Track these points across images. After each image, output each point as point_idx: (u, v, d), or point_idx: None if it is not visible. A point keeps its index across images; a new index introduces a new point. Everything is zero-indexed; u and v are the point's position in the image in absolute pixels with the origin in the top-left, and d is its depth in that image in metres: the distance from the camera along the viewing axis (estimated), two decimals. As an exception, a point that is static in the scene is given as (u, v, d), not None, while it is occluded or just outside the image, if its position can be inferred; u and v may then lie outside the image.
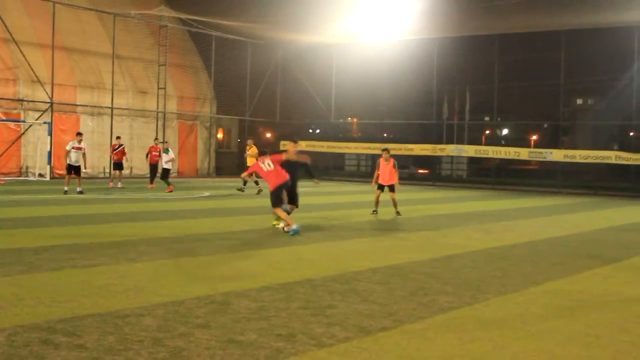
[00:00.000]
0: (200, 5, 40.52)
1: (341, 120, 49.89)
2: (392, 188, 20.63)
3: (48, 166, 33.84)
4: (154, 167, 30.54)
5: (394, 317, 7.45)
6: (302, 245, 13.07)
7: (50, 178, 33.39)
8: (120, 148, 29.73)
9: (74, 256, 10.72)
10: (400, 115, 46.41)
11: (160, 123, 41.92)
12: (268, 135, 56.44)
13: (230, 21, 41.01)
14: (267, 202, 15.55)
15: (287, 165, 15.12)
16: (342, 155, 50.40)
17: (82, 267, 9.80)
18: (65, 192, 24.33)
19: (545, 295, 9.00)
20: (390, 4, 38.43)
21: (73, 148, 24.83)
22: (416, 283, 9.44)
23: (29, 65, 35.14)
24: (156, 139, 34.49)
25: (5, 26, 34.49)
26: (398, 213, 20.12)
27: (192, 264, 10.47)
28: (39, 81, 35.74)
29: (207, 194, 27.61)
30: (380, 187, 20.75)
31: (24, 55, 35.02)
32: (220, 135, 49.71)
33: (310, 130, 53.26)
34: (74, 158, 24.81)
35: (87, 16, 39.51)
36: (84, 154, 25.28)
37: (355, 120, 51.46)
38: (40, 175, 34.46)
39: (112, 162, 30.80)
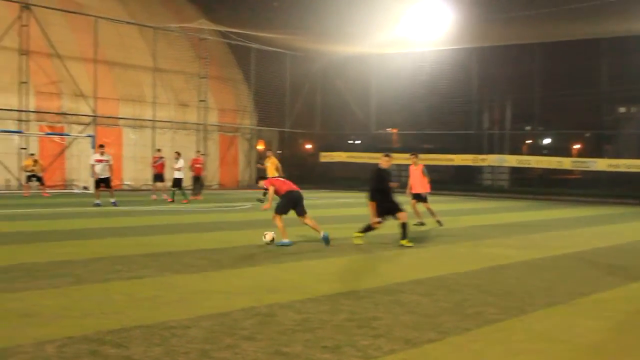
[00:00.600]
0: (240, 18, 40.87)
1: (381, 131, 49.72)
2: (422, 198, 20.45)
3: (92, 179, 34.24)
4: (197, 178, 30.79)
5: (440, 329, 7.39)
6: (345, 256, 13.05)
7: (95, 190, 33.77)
8: (160, 161, 30.02)
9: (120, 268, 10.84)
10: (440, 125, 46.15)
11: (201, 135, 42.26)
12: (308, 146, 56.50)
13: (269, 33, 41.28)
14: (313, 213, 15.56)
15: (384, 173, 15.11)
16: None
17: (128, 279, 9.90)
18: (96, 205, 24.28)
19: (593, 307, 8.86)
20: (429, 14, 38.43)
21: (95, 161, 24.86)
22: (461, 294, 9.37)
23: (72, 79, 35.70)
24: (198, 151, 34.86)
25: (49, 41, 35.10)
26: (439, 223, 19.93)
27: (235, 276, 10.51)
28: (82, 95, 36.31)
29: (248, 205, 27.72)
30: (415, 197, 20.63)
31: (67, 70, 35.60)
32: (260, 147, 49.92)
33: (350, 142, 53.16)
34: (98, 170, 24.78)
35: (128, 30, 40.07)
36: (110, 166, 25.31)
37: (395, 130, 51.29)
38: (85, 188, 34.92)
39: (153, 174, 31.04)
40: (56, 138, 35.77)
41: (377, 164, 15.39)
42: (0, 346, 6.25)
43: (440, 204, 31.27)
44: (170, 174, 29.96)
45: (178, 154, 29.90)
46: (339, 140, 51.12)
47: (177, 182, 28.67)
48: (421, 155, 40.61)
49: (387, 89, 45.97)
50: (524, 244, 15.93)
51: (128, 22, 39.83)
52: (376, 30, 39.03)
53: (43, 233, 15.71)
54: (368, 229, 15.03)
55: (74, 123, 36.61)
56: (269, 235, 14.40)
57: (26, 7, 34.81)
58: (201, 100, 42.01)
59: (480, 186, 44.68)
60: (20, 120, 34.57)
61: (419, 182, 20.66)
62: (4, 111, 33.82)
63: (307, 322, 7.52)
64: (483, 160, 42.31)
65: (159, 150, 31.54)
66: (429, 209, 20.31)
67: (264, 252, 13.22)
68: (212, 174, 42.17)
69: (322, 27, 41.17)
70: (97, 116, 36.99)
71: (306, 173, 51.19)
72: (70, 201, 27.35)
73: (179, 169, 28.78)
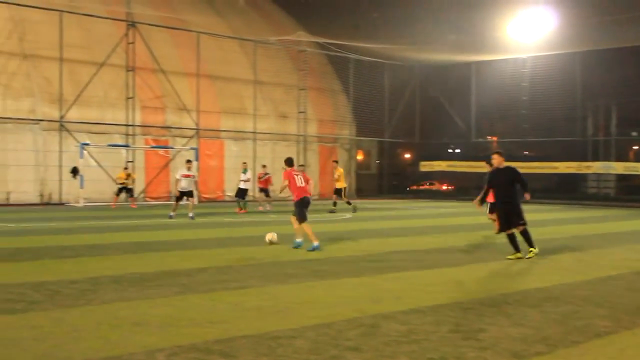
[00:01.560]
0: (338, 28, 41.15)
1: (481, 140, 49.07)
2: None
3: (195, 191, 34.93)
4: None
5: (548, 342, 7.22)
6: (448, 267, 12.91)
7: (199, 202, 34.50)
8: (265, 177, 30.34)
9: (225, 278, 11.02)
10: (541, 132, 45.23)
11: (301, 146, 42.68)
12: (407, 155, 56.26)
13: (367, 43, 41.39)
14: (414, 223, 15.48)
15: (495, 175, 14.60)
16: (483, 174, 49.58)
17: (234, 289, 10.06)
18: (170, 217, 24.46)
19: None
20: (530, 19, 37.76)
21: (182, 176, 25.01)
22: (569, 306, 9.12)
23: (176, 93, 36.68)
24: (301, 165, 35.19)
25: (154, 57, 36.17)
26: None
27: (338, 287, 10.54)
28: (185, 108, 37.24)
29: (348, 215, 27.79)
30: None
31: (171, 84, 36.60)
32: (360, 157, 50.04)
33: (450, 150, 52.66)
34: (184, 185, 24.88)
35: (229, 44, 40.92)
36: (195, 181, 25.47)
37: (494, 138, 50.59)
38: (187, 199, 35.67)
39: (259, 188, 31.35)
40: (161, 151, 36.80)
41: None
42: (114, 354, 6.46)
43: (543, 213, 30.62)
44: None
45: (245, 163, 30.38)
46: (438, 149, 50.71)
47: (242, 193, 29.01)
48: (523, 163, 40.03)
49: (487, 96, 45.39)
50: (634, 254, 15.40)
51: (229, 37, 40.68)
52: (477, 37, 38.59)
53: (150, 243, 16.14)
54: (512, 241, 14.22)
55: (177, 136, 37.58)
56: (270, 235, 15.76)
57: (132, 25, 35.99)
58: (300, 112, 42.44)
59: (584, 194, 43.57)
60: (127, 135, 35.71)
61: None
62: (112, 126, 35.02)
63: (412, 333, 7.47)
64: (588, 167, 41.25)
65: (264, 166, 31.90)
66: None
67: (365, 263, 13.22)
68: (312, 184, 42.43)
69: (421, 35, 41.01)
70: (200, 129, 37.85)
71: (406, 182, 51.09)
72: (176, 212, 27.96)
73: (246, 180, 29.13)
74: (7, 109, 32.23)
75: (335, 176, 30.38)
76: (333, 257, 13.97)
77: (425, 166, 48.64)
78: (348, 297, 9.64)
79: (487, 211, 19.92)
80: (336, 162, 32.71)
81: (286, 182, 15.58)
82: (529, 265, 13.40)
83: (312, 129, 43.70)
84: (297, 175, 15.79)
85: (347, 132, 46.06)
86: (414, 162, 51.58)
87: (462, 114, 47.72)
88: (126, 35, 35.81)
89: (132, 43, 35.81)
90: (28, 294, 9.45)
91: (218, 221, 23.97)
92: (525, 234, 14.21)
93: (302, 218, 15.42)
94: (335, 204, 30.00)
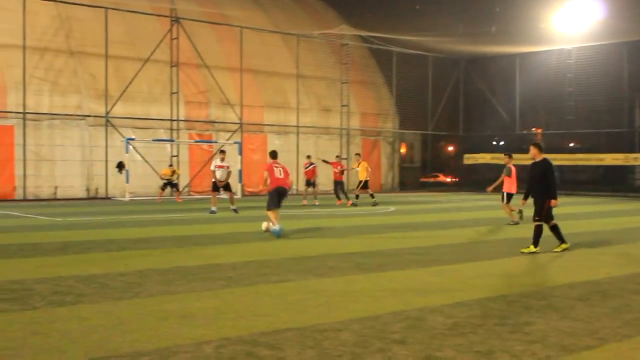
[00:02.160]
0: (381, 21, 41.01)
1: (525, 132, 48.48)
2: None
3: (239, 184, 35.13)
4: (337, 183, 30.86)
5: (597, 335, 7.13)
6: (492, 260, 12.81)
7: (242, 196, 34.73)
8: (310, 167, 30.17)
9: (267, 271, 11.06)
10: (588, 123, 44.58)
11: (344, 140, 42.65)
12: (450, 148, 55.90)
13: (410, 36, 41.18)
14: (456, 216, 15.38)
15: (531, 168, 14.22)
16: (525, 167, 48.96)
17: (276, 282, 10.10)
18: (212, 212, 24.15)
19: None
20: (576, 9, 37.26)
21: (216, 167, 24.61)
22: (618, 299, 8.99)
23: (220, 88, 36.88)
24: (337, 156, 35.04)
25: (198, 53, 36.41)
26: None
27: (382, 280, 10.51)
28: (229, 103, 37.44)
29: (392, 209, 27.72)
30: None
31: (214, 79, 36.80)
32: (403, 150, 49.84)
33: (494, 142, 52.17)
34: (218, 176, 24.52)
35: (271, 39, 41.02)
36: (229, 172, 25.27)
37: (539, 130, 49.98)
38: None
39: (305, 180, 31.12)
40: (204, 145, 37.07)
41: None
42: (162, 346, 6.52)
43: (589, 205, 30.23)
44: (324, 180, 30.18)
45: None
46: (482, 141, 50.22)
47: None
48: (569, 155, 39.66)
49: (531, 88, 44.90)
50: (684, 247, 15.11)
51: (272, 31, 40.80)
52: (522, 28, 38.19)
53: (195, 237, 16.26)
54: (556, 232, 13.96)
55: (221, 130, 37.81)
56: (264, 225, 16.60)
57: (176, 21, 36.26)
58: (343, 105, 42.40)
59: (631, 186, 42.89)
60: (171, 129, 36.04)
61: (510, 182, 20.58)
62: (157, 121, 35.38)
63: (458, 326, 7.43)
64: (635, 159, 40.56)
65: (308, 156, 31.71)
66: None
67: (410, 256, 13.15)
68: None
69: (465, 27, 40.72)
70: (243, 123, 38.05)
71: (449, 175, 50.82)
72: (219, 206, 28.14)
73: None
74: (55, 105, 32.73)
75: (358, 168, 30.21)
76: (376, 250, 13.94)
77: (469, 159, 48.28)
78: (393, 289, 9.61)
79: (506, 202, 20.74)
80: (359, 154, 32.44)
81: (266, 174, 16.73)
82: (576, 258, 13.22)
83: (355, 122, 43.64)
84: (276, 167, 16.85)
85: (390, 125, 45.91)
86: (458, 155, 51.23)
87: (506, 106, 47.23)
88: (170, 31, 36.10)
89: (176, 39, 36.09)
90: (77, 286, 9.60)
91: (260, 215, 24.02)
92: (536, 231, 13.70)
93: (270, 206, 16.54)
94: (372, 195, 29.72)
